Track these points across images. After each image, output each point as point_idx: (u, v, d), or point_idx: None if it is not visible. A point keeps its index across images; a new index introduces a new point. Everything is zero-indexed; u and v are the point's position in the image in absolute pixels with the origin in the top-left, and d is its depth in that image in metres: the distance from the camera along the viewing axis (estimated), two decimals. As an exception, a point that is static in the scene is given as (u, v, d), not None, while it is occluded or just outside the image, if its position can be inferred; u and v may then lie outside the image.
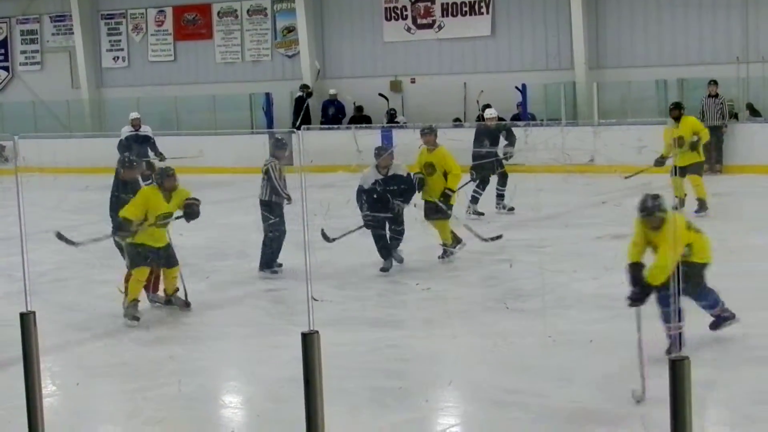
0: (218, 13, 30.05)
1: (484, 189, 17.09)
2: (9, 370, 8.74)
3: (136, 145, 21.14)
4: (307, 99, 27.14)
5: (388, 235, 13.05)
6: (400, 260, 13.14)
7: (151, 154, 21.31)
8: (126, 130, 22.39)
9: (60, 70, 32.24)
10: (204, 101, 28.69)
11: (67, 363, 9.71)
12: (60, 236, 11.40)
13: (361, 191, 12.81)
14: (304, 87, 27.45)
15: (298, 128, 25.63)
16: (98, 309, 11.52)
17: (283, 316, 11.33)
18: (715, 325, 9.16)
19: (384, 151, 13.21)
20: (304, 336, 3.58)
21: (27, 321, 3.56)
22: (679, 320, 8.12)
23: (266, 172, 13.30)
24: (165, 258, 11.05)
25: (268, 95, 28.14)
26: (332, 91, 27.90)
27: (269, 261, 13.22)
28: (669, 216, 8.64)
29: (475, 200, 16.88)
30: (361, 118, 27.21)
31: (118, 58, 31.65)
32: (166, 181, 10.94)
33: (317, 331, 3.65)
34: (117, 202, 11.22)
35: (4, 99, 32.47)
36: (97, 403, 8.79)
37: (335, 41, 28.51)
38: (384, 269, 12.88)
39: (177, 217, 11.02)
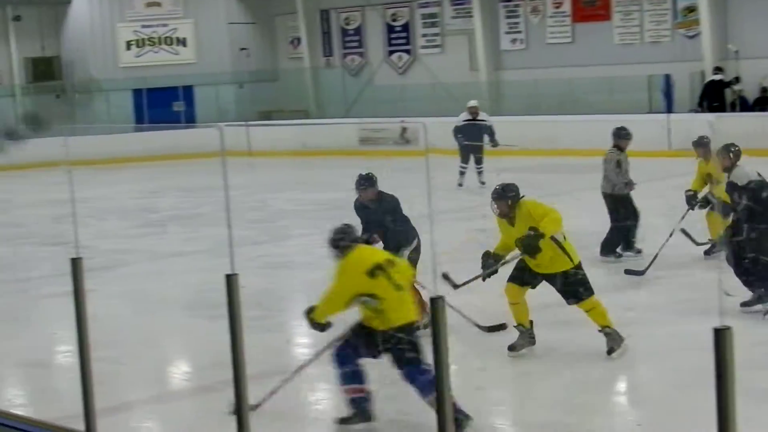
0: (618, -7, 29.65)
1: None
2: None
3: (472, 132, 21.56)
4: (728, 82, 26.20)
5: None
6: None
7: (486, 139, 21.65)
8: (463, 117, 22.44)
9: (459, 53, 32.83)
10: (601, 83, 28.38)
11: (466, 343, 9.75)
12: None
13: None
14: (717, 69, 26.52)
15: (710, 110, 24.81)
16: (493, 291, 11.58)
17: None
18: None
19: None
20: (717, 331, 3.35)
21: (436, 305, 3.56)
22: None
23: (607, 162, 12.99)
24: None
25: (667, 77, 27.45)
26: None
27: (610, 245, 13.18)
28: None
29: None
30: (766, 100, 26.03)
31: (516, 40, 31.85)
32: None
33: (729, 327, 3.40)
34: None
35: (406, 81, 33.47)
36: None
37: (738, 21, 27.33)
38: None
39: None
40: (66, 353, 9.92)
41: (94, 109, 35.29)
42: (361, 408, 7.78)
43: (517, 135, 22.59)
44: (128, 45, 35.40)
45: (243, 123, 28.71)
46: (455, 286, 9.30)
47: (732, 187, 10.85)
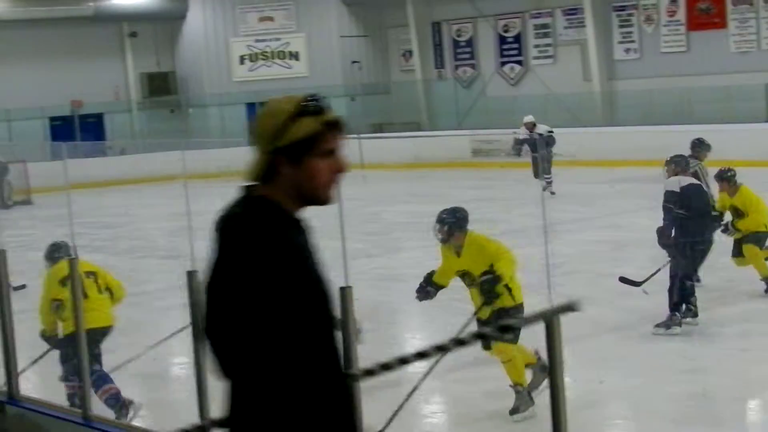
0: (732, 1, 29.10)
1: None
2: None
3: (526, 146, 22.51)
4: None
5: None
6: None
7: (550, 150, 22.10)
8: (522, 132, 22.83)
9: (572, 63, 32.59)
10: (716, 92, 27.90)
11: (582, 356, 9.65)
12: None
13: None
14: None
15: None
16: (611, 302, 11.43)
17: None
18: None
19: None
20: None
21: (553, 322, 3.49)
22: None
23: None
24: None
25: (786, 85, 26.95)
26: None
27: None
28: None
29: None
30: None
31: (629, 50, 31.50)
32: None
33: None
34: None
35: (518, 92, 33.32)
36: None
37: None
38: None
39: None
40: (182, 365, 10.02)
41: (208, 123, 35.80)
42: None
43: (631, 146, 22.33)
44: (242, 59, 35.87)
45: (355, 136, 28.80)
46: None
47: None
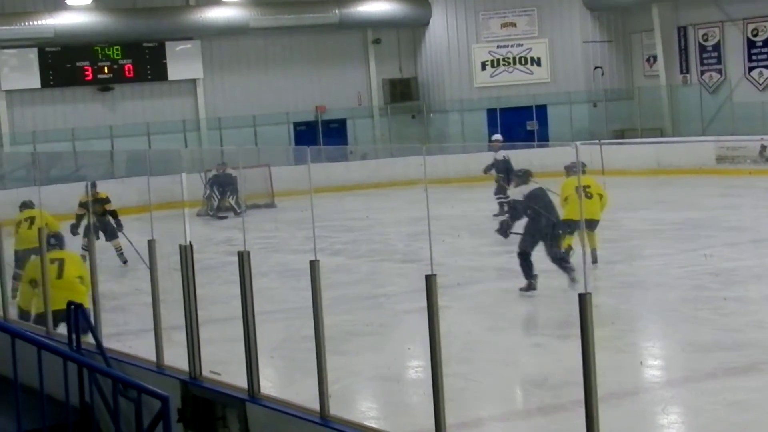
0: None
1: None
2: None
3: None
4: None
5: None
6: None
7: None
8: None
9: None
10: None
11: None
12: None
13: None
14: None
15: None
16: None
17: None
18: None
19: None
20: None
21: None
22: None
23: None
24: None
25: None
26: None
27: None
28: None
29: None
30: None
31: None
32: None
33: None
34: None
35: (767, 97, 32.19)
36: None
37: None
38: None
39: None
40: (418, 368, 10.08)
41: (448, 129, 36.03)
42: None
43: None
44: (483, 65, 35.92)
45: (596, 141, 28.47)
46: None
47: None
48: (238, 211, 24.76)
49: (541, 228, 14.00)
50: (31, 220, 14.23)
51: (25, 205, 15.05)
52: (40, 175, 13.50)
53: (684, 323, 11.62)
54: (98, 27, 32.14)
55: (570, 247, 14.82)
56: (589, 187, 15.56)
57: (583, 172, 15.72)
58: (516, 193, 14.53)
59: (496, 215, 21.45)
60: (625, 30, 36.30)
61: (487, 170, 23.69)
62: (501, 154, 23.03)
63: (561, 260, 13.89)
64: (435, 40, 36.41)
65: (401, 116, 36.52)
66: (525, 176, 14.49)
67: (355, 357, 10.90)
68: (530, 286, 13.69)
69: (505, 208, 18.09)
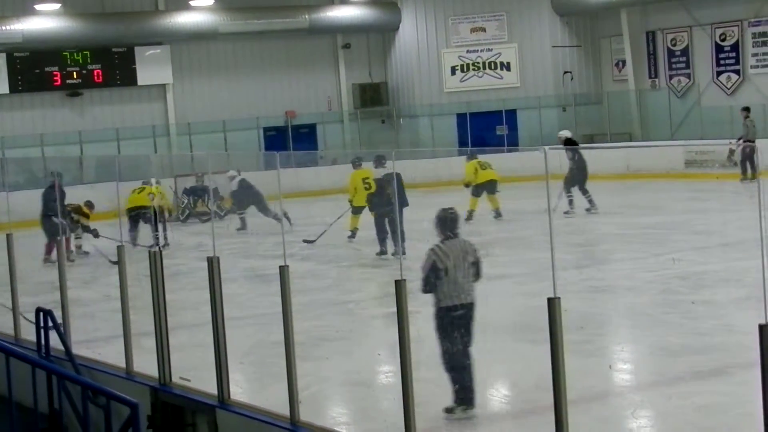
0: None
1: None
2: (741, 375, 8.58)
3: None
4: None
5: None
6: None
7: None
8: None
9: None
10: None
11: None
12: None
13: None
14: None
15: None
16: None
17: None
18: None
19: None
20: None
21: None
22: None
23: None
24: None
25: None
26: None
27: None
28: None
29: None
30: None
31: None
32: None
33: None
34: None
35: (734, 102, 32.39)
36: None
37: None
38: None
39: None
40: (388, 373, 10.09)
41: (418, 134, 36.06)
42: None
43: None
44: (453, 70, 35.98)
45: (565, 146, 28.54)
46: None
47: None
48: (221, 214, 24.76)
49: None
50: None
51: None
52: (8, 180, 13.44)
53: (653, 327, 11.66)
54: (67, 32, 31.97)
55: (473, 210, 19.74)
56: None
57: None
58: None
59: None
60: (594, 35, 36.45)
61: None
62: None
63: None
64: (405, 45, 36.45)
65: (371, 121, 36.54)
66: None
67: (325, 362, 10.89)
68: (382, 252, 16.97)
69: None
